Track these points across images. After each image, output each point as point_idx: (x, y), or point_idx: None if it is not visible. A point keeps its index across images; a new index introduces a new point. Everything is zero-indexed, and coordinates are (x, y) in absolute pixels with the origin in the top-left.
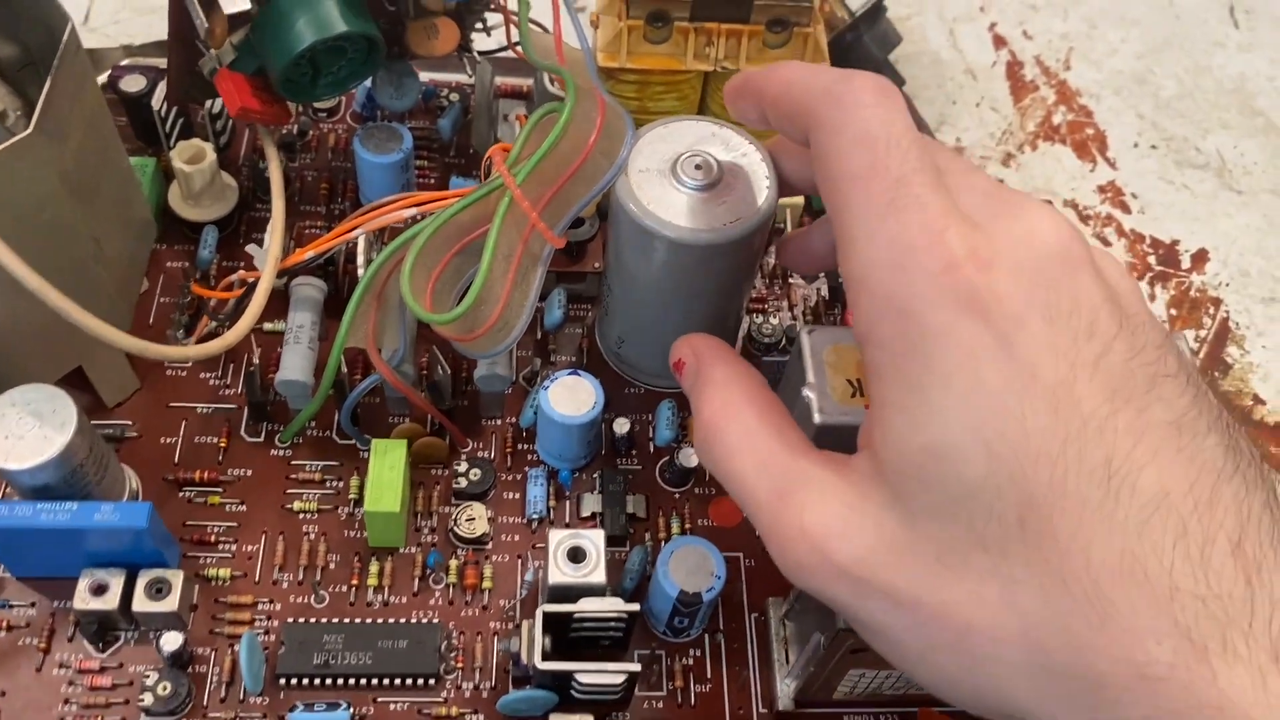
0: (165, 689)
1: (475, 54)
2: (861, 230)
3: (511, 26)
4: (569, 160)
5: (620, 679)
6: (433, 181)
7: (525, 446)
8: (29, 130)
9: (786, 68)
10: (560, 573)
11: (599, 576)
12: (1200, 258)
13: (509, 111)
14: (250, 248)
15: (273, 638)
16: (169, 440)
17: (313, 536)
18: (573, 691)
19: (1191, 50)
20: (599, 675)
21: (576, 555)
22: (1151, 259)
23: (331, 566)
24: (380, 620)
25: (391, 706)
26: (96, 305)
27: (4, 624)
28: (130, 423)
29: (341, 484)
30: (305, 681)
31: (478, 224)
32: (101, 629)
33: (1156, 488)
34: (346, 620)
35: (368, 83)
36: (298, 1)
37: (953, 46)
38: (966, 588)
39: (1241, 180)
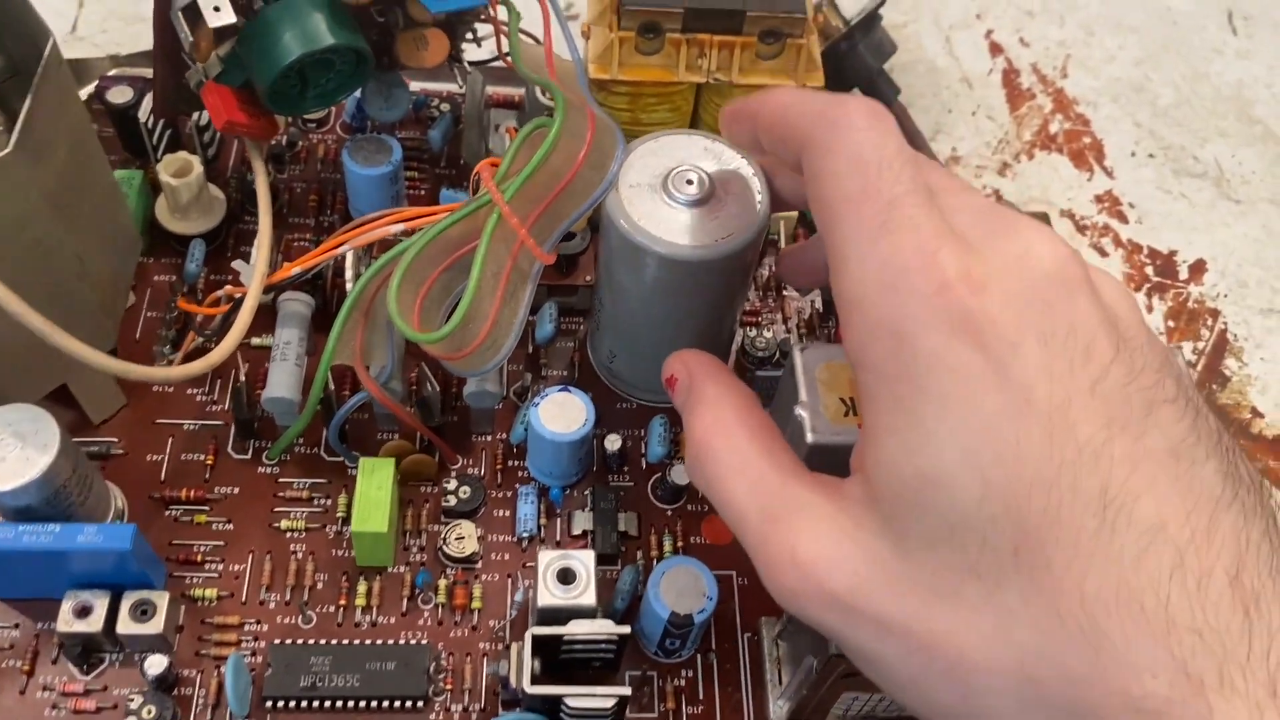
0: (150, 712)
1: (466, 64)
2: (854, 252)
3: (502, 37)
4: (559, 176)
5: (610, 702)
6: (423, 193)
7: (516, 463)
8: (9, 148)
9: (780, 92)
10: (550, 595)
11: (589, 598)
12: (1198, 268)
13: (500, 122)
14: (237, 264)
15: (259, 659)
16: (155, 458)
17: (300, 555)
18: (562, 715)
19: (1189, 57)
20: (589, 699)
21: (566, 577)
22: (1149, 269)
23: (319, 586)
24: (368, 641)
25: None
26: (80, 323)
27: None
28: (116, 440)
29: (330, 501)
30: (292, 704)
31: (466, 240)
32: (85, 651)
33: (1153, 517)
34: (334, 641)
35: (357, 93)
36: (285, 14)
37: (948, 54)
38: (960, 617)
39: (1240, 189)
